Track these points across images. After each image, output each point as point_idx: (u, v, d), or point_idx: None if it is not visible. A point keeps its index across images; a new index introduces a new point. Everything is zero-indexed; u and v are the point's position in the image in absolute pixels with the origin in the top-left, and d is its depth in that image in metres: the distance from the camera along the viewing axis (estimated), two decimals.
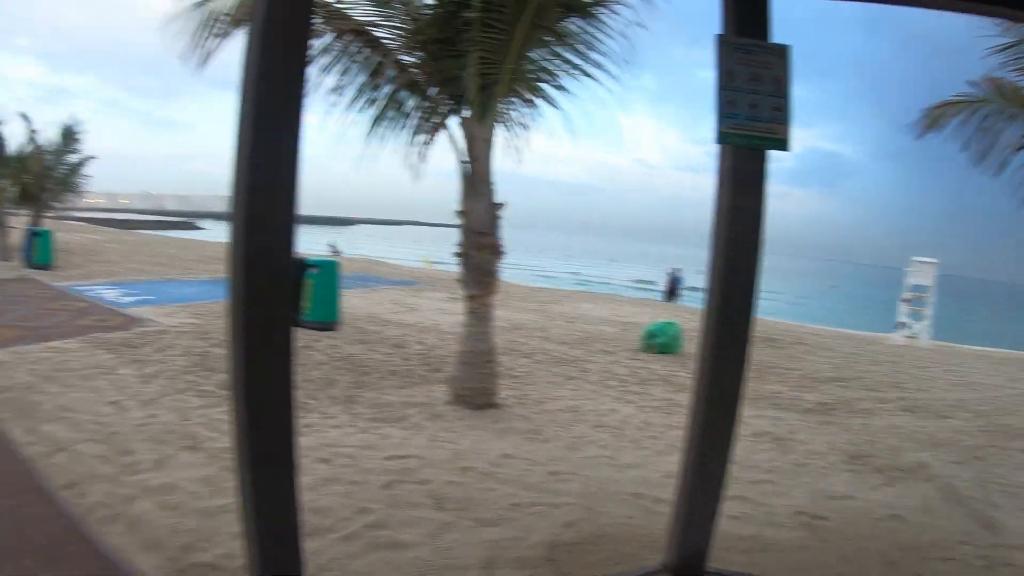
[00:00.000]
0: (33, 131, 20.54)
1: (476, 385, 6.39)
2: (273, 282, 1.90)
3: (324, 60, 6.34)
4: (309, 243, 31.42)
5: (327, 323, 9.96)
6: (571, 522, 3.81)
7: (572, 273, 45.68)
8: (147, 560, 3.12)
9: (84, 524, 3.41)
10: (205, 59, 6.28)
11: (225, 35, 6.18)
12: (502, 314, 8.25)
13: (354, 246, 41.11)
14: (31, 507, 3.59)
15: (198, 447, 4.70)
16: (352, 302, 12.12)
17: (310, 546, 3.17)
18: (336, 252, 34.38)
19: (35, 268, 16.38)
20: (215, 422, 5.26)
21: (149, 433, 4.90)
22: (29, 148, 20.39)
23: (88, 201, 24.97)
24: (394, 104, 6.74)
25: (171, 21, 6.22)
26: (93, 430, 4.86)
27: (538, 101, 6.94)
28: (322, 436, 5.19)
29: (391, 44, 6.53)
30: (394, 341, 9.30)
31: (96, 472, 4.10)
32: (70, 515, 3.51)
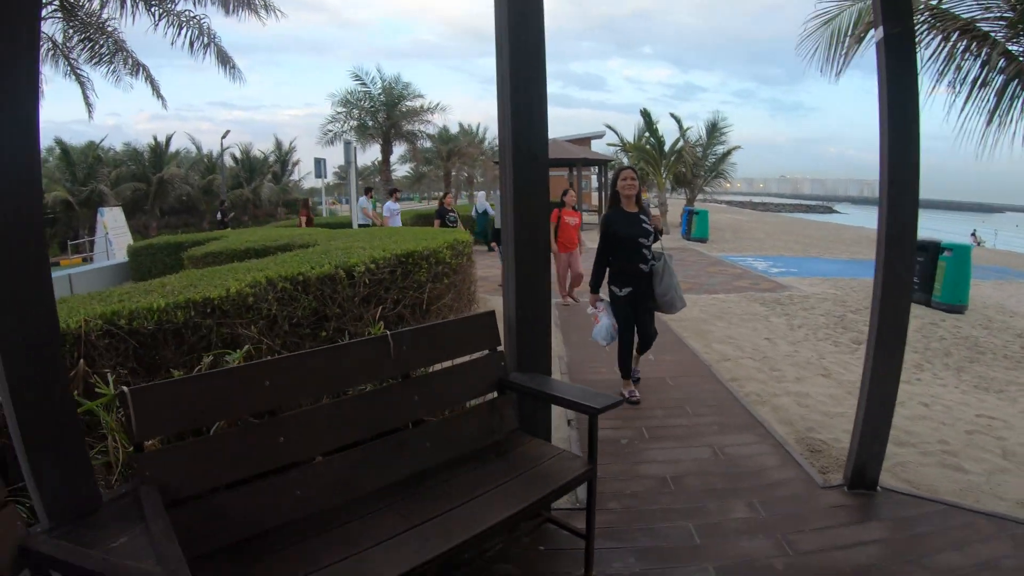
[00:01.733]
0: (684, 128, 25.13)
1: None
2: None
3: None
4: (946, 230, 28.64)
5: (954, 305, 9.90)
6: None
7: None
8: (780, 428, 4.46)
9: (740, 401, 4.97)
10: (839, 71, 7.04)
11: (848, 50, 6.86)
12: None
13: (999, 237, 35.34)
14: (707, 385, 5.39)
15: (829, 376, 5.92)
16: (984, 291, 11.86)
17: (897, 452, 4.20)
18: (978, 242, 30.73)
19: (692, 240, 20.33)
20: (845, 363, 6.42)
21: (793, 361, 6.35)
22: (680, 143, 25.00)
23: (727, 185, 29.08)
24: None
25: (803, 37, 7.26)
26: (751, 352, 6.59)
27: None
28: (928, 388, 5.91)
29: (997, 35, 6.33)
30: (1016, 331, 8.85)
31: (752, 376, 5.72)
32: (732, 394, 5.13)
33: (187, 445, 2.14)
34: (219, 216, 24.41)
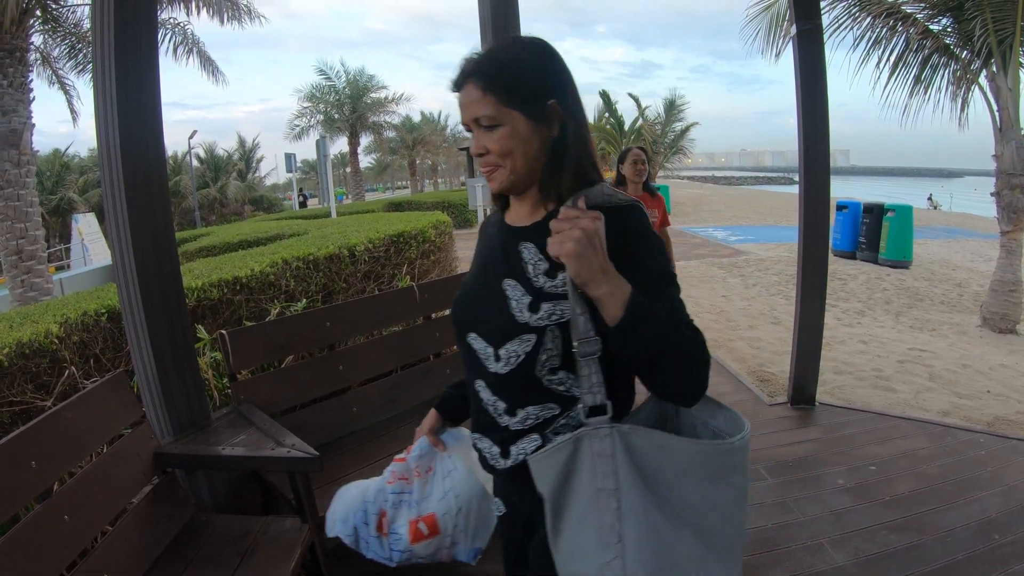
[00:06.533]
0: (642, 107, 26.04)
1: (999, 310, 7.07)
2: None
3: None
4: (906, 194, 29.84)
5: (899, 261, 10.84)
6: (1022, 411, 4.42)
7: None
8: (735, 365, 5.19)
9: None
10: (777, 55, 7.74)
11: (786, 34, 7.55)
12: None
13: (956, 200, 36.98)
14: None
15: (779, 323, 6.71)
16: (932, 249, 12.86)
17: (835, 379, 4.84)
18: (934, 206, 32.13)
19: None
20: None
21: (747, 313, 7.14)
22: (639, 122, 25.91)
23: (688, 161, 30.11)
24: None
25: (746, 21, 8.02)
26: (709, 308, 7.37)
27: None
28: (868, 330, 6.73)
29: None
30: (956, 281, 9.80)
31: (709, 327, 6.44)
32: None
33: (271, 374, 2.74)
34: (301, 199, 28.84)
